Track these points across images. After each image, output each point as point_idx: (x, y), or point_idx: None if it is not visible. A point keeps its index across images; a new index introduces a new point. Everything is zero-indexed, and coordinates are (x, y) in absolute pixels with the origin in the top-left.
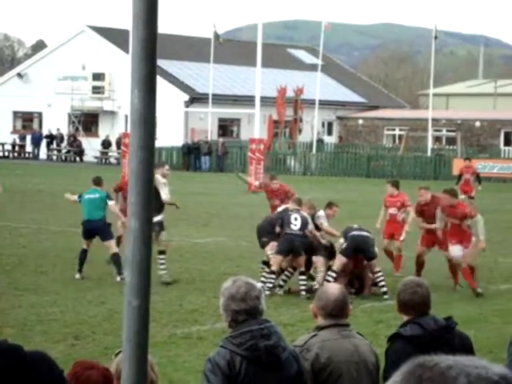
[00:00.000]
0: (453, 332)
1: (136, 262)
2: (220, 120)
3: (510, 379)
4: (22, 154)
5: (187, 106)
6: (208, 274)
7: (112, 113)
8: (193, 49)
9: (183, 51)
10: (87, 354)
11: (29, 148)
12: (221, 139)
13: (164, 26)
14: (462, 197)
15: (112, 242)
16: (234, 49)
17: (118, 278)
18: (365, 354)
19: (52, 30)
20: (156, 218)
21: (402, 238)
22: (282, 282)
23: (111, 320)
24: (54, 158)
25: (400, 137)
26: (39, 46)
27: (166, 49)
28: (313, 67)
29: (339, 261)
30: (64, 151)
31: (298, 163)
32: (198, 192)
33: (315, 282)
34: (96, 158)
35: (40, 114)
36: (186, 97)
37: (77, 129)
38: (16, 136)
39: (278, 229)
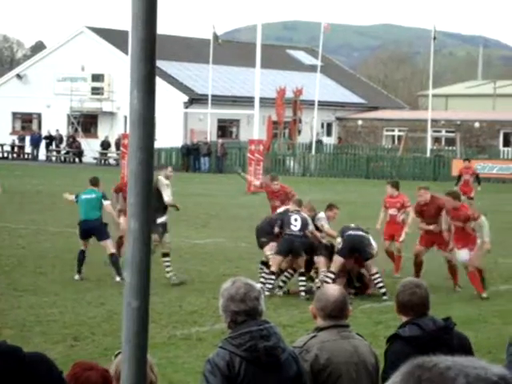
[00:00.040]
0: (451, 333)
1: (135, 263)
2: (219, 121)
3: (509, 380)
4: (21, 155)
5: (186, 107)
6: (207, 274)
7: (111, 114)
8: (192, 50)
9: (182, 52)
10: (86, 355)
11: (28, 149)
12: (220, 140)
13: (163, 27)
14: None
15: (108, 242)
16: (233, 50)
17: (118, 279)
18: (364, 354)
19: (51, 31)
20: (160, 220)
21: (401, 239)
22: (281, 283)
23: (110, 321)
24: (53, 158)
25: (399, 137)
26: (38, 47)
27: (165, 50)
28: (312, 68)
29: (336, 261)
30: (63, 152)
31: (297, 164)
32: (198, 193)
33: (316, 281)
34: (95, 158)
35: (39, 115)
36: (186, 98)
37: (76, 130)
38: (15, 137)
39: (276, 229)
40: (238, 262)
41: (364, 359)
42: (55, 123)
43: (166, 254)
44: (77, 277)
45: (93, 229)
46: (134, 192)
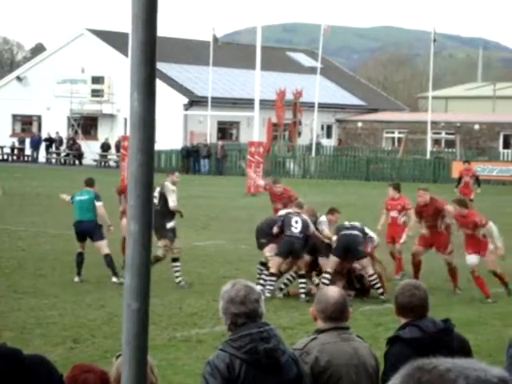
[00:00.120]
0: (452, 335)
1: (135, 265)
2: (219, 123)
3: (509, 382)
4: (21, 158)
5: (186, 109)
6: (207, 277)
7: (111, 116)
8: (192, 52)
9: (182, 54)
10: (86, 358)
11: (28, 151)
12: (220, 142)
13: (163, 29)
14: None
15: (103, 243)
16: (233, 52)
17: (114, 279)
18: (364, 356)
19: (51, 33)
20: (169, 225)
21: (402, 241)
22: (282, 285)
23: (111, 323)
24: (53, 161)
25: (399, 139)
26: (38, 49)
27: (165, 52)
28: (312, 70)
29: (331, 261)
30: (63, 154)
31: (297, 166)
32: (197, 195)
33: (315, 280)
34: (95, 161)
35: (39, 118)
36: (185, 100)
37: (76, 132)
38: (15, 139)
39: (275, 229)
40: (238, 264)
41: (364, 361)
42: (55, 125)
43: (175, 259)
44: (76, 279)
45: (87, 230)
46: (135, 194)
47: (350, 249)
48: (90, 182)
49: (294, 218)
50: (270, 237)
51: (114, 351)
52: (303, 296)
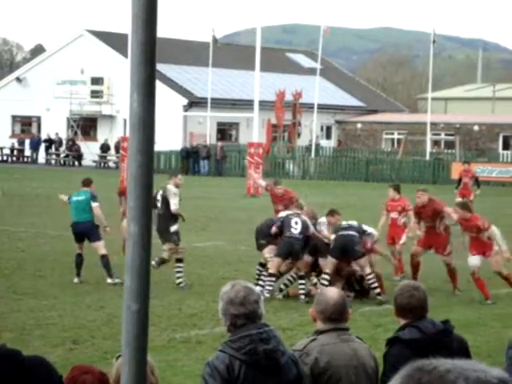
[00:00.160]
0: (451, 335)
1: (135, 267)
2: (219, 124)
3: (509, 382)
4: (21, 158)
5: (186, 110)
6: (207, 278)
7: (111, 117)
8: (191, 53)
9: (182, 55)
10: (86, 359)
11: (27, 152)
12: (219, 143)
13: (162, 30)
14: (459, 199)
15: (100, 244)
16: (232, 53)
17: (109, 280)
18: (364, 357)
19: (51, 34)
20: (173, 228)
21: (401, 242)
22: (282, 286)
23: (110, 324)
24: (53, 162)
25: (399, 141)
26: (38, 50)
27: (165, 53)
28: (311, 71)
29: (329, 262)
30: (63, 155)
31: (296, 167)
32: (197, 196)
33: (313, 280)
34: (95, 162)
35: (39, 118)
36: (185, 101)
37: (75, 133)
38: (15, 140)
39: (273, 229)
40: (238, 265)
41: (363, 362)
42: (55, 126)
43: (179, 260)
44: (76, 280)
45: (84, 231)
46: (134, 195)
47: (347, 249)
48: (86, 182)
49: (294, 219)
50: (269, 238)
51: (114, 352)
52: (303, 297)
